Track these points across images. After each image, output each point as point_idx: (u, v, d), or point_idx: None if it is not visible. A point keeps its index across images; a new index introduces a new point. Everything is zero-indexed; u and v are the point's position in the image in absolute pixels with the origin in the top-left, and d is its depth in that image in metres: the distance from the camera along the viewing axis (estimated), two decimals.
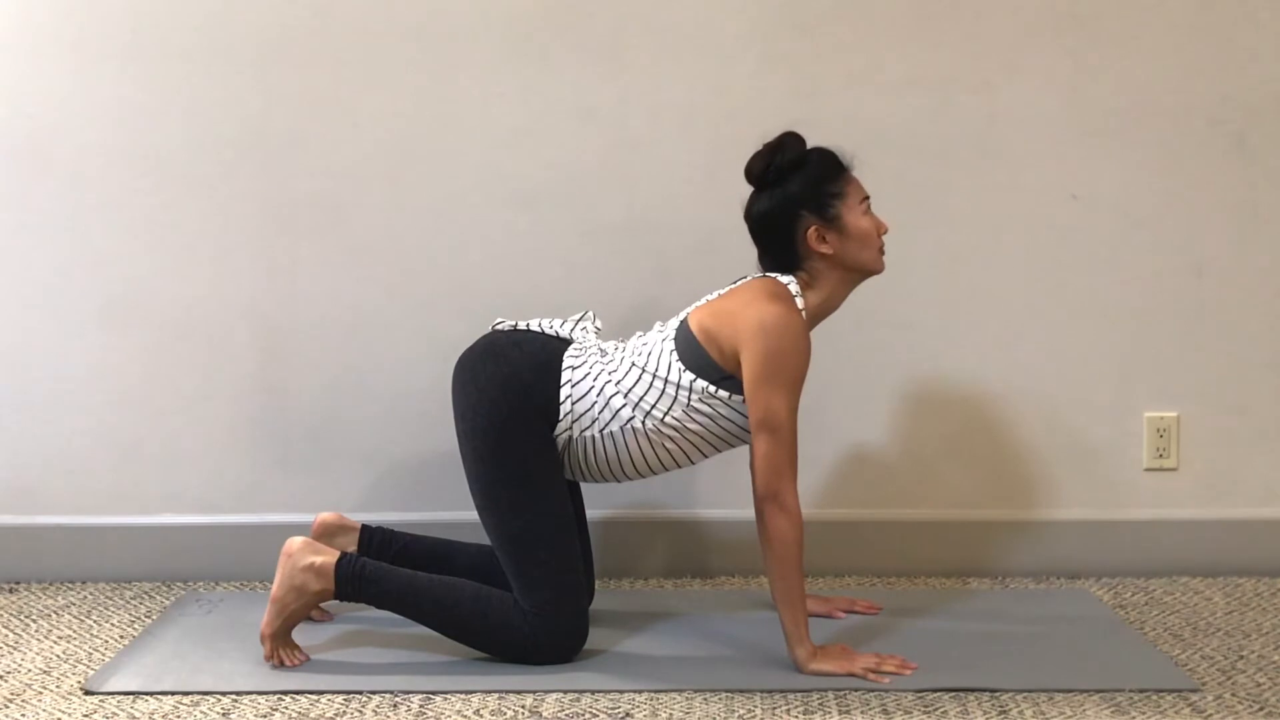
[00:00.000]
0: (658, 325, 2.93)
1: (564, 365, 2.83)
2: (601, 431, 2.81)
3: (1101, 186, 3.34)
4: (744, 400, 2.76)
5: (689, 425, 2.80)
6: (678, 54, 3.31)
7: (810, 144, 2.79)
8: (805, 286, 2.80)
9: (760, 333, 2.71)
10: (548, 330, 2.91)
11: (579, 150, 3.34)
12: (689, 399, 2.78)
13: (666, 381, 2.78)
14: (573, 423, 2.81)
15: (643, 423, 2.79)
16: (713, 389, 2.76)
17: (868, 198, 2.81)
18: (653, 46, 3.31)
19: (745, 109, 3.30)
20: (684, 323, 2.84)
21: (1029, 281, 3.36)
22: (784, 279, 2.81)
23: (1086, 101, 3.31)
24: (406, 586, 2.82)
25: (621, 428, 2.80)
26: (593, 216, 3.35)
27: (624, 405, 2.79)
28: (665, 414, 2.79)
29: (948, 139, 3.32)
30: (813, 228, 2.77)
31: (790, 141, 2.79)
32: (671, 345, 2.81)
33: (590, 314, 2.98)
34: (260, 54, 3.32)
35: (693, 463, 2.88)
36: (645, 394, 2.79)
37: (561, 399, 2.80)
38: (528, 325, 2.92)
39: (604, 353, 2.87)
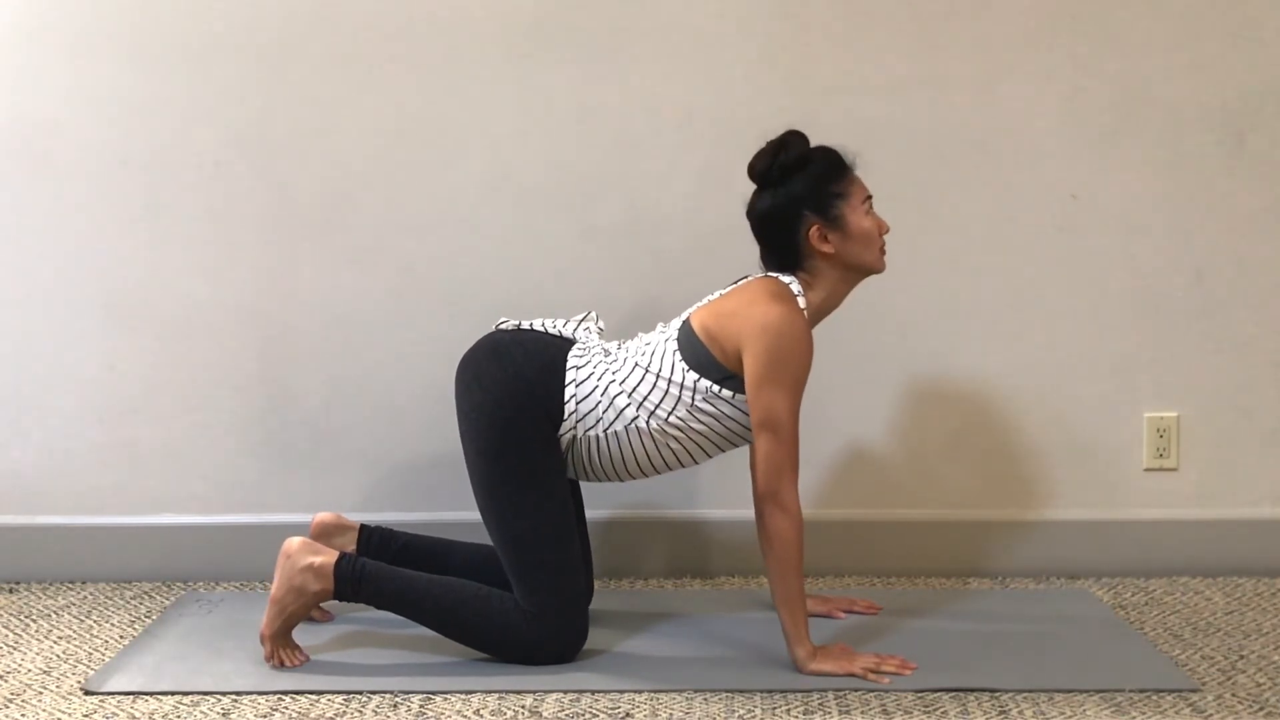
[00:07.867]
0: (660, 326, 2.93)
1: (568, 365, 2.82)
2: (606, 431, 2.80)
3: (1101, 187, 3.34)
4: (747, 400, 2.76)
5: (693, 425, 2.79)
6: (678, 54, 3.31)
7: (813, 143, 2.80)
8: (806, 286, 2.80)
9: (762, 333, 2.71)
10: (550, 330, 2.91)
11: (579, 150, 3.34)
12: (693, 399, 2.78)
13: (670, 381, 2.78)
14: (577, 422, 2.80)
15: (647, 422, 2.79)
16: (716, 388, 2.76)
17: (870, 197, 2.81)
18: (653, 46, 3.31)
19: (745, 109, 3.30)
20: (686, 323, 2.84)
21: (1029, 281, 3.36)
22: (785, 278, 2.81)
23: (1086, 101, 3.31)
24: (406, 586, 2.81)
25: (626, 427, 2.79)
26: (593, 216, 3.35)
27: (628, 405, 2.79)
28: (670, 414, 2.78)
29: (948, 139, 3.32)
30: (815, 227, 2.76)
31: (793, 140, 2.79)
32: (674, 345, 2.81)
33: (593, 314, 2.98)
34: (260, 53, 3.32)
35: (696, 462, 2.88)
36: (649, 393, 2.79)
37: (566, 399, 2.80)
38: (530, 325, 2.92)
39: (607, 353, 2.87)
